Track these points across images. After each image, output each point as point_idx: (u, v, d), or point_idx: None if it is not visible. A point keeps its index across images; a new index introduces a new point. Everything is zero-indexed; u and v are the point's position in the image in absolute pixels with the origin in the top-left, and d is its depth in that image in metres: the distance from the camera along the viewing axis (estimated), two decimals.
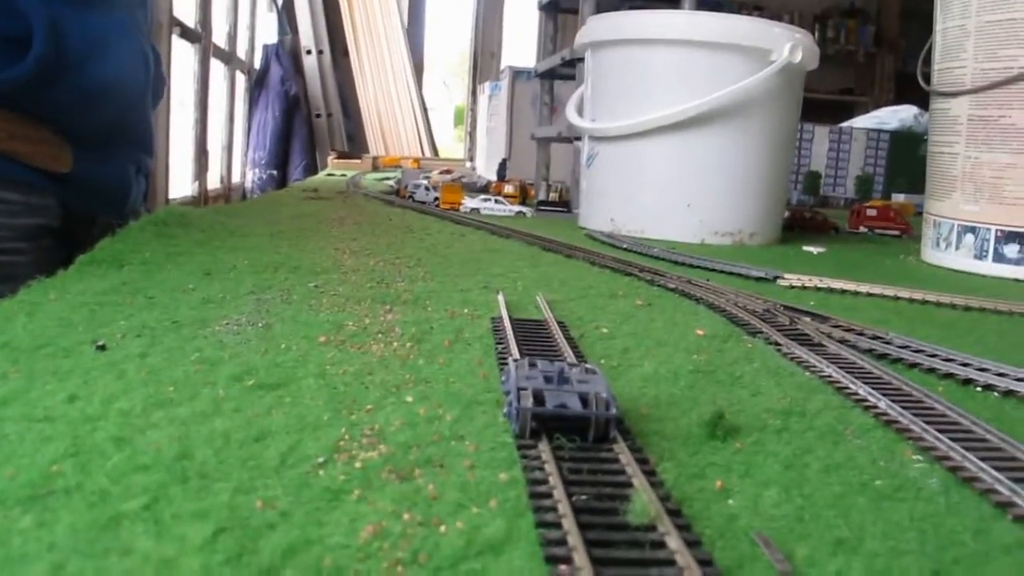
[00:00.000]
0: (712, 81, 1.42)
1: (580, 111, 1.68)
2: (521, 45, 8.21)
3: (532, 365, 0.47)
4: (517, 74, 3.14)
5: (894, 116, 3.85)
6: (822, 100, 5.96)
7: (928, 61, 1.48)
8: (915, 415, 0.51)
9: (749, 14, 6.53)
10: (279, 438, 0.42)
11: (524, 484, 0.37)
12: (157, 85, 1.38)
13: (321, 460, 0.39)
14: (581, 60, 1.89)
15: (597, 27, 1.57)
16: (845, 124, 3.72)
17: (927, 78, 1.48)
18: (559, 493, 0.35)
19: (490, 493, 0.36)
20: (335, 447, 0.41)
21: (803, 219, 1.95)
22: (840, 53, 8.14)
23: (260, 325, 0.64)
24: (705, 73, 1.43)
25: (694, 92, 1.42)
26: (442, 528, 0.33)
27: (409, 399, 0.48)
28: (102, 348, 0.57)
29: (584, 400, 0.42)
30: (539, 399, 0.42)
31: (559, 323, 0.68)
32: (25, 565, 0.30)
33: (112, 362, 0.53)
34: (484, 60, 7.98)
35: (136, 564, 0.30)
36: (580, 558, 0.30)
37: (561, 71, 2.23)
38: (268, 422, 0.44)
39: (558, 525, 0.33)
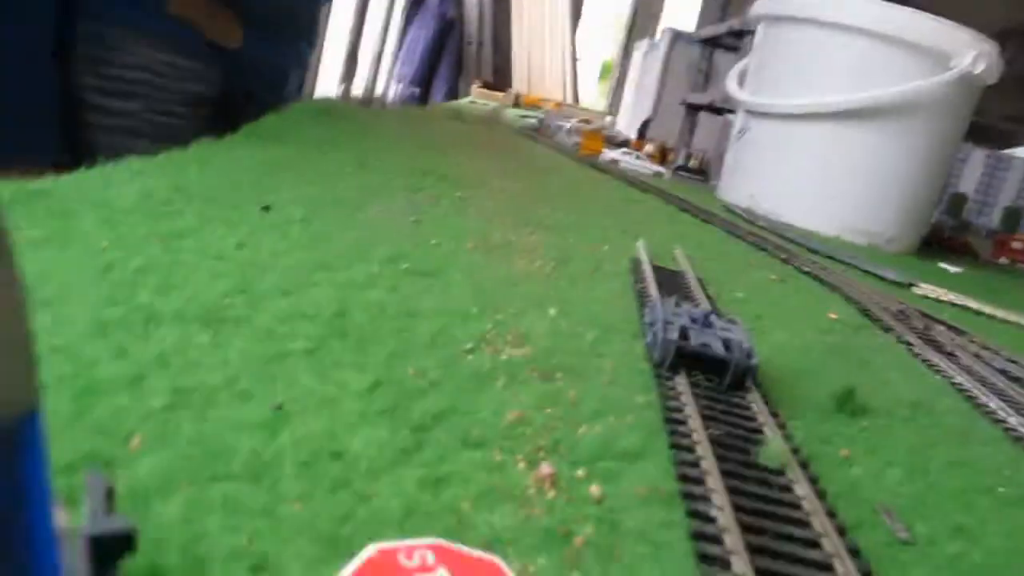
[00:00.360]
0: (884, 76, 1.38)
1: (741, 83, 1.65)
2: (681, 9, 8.06)
3: (678, 304, 0.48)
4: (677, 37, 3.09)
5: None
6: (984, 124, 5.73)
7: None
8: None
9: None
10: (430, 319, 0.43)
11: (660, 409, 0.38)
12: None
13: (469, 347, 0.41)
14: (750, 33, 1.85)
15: (775, 1, 1.54)
16: (1005, 152, 3.57)
17: None
18: (695, 423, 0.36)
19: (627, 409, 0.38)
20: (482, 338, 0.42)
21: (943, 238, 1.89)
22: (1015, 77, 7.75)
23: (412, 219, 0.67)
24: (879, 66, 1.39)
25: (863, 84, 1.38)
26: (581, 429, 0.35)
27: (552, 312, 0.50)
28: (267, 209, 0.59)
29: (727, 344, 0.43)
30: (684, 335, 0.43)
31: (697, 278, 0.68)
32: (203, 372, 0.33)
33: (276, 223, 0.56)
34: (643, 19, 7.87)
35: (300, 394, 0.32)
36: (713, 481, 0.31)
37: (725, 40, 2.20)
38: (419, 303, 0.46)
39: (692, 449, 0.34)
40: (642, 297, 0.58)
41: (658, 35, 3.76)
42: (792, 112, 1.44)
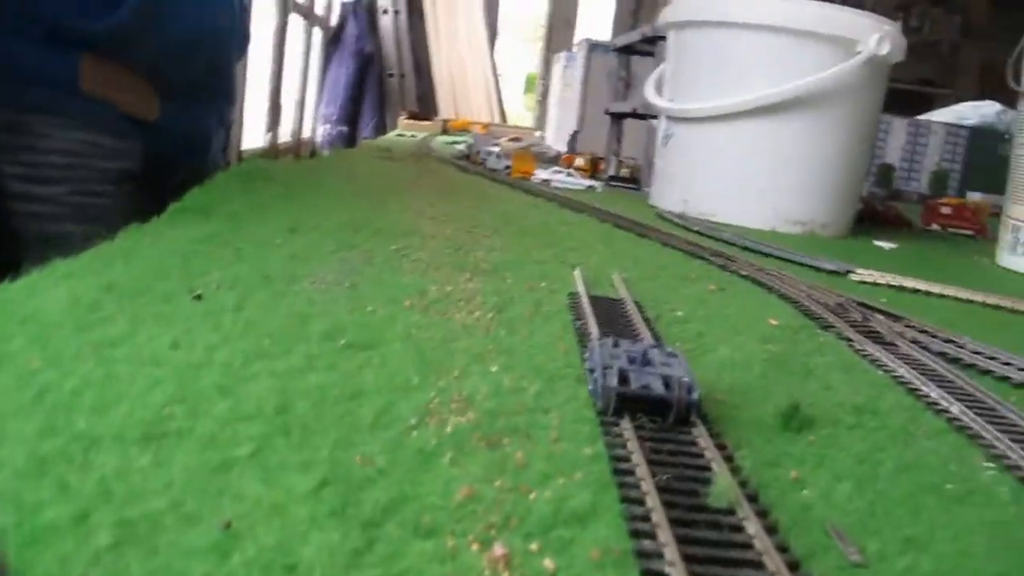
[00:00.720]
0: (796, 69, 1.41)
1: (659, 90, 1.68)
2: (597, 16, 8.15)
3: (616, 344, 0.48)
4: (593, 47, 3.12)
5: (975, 111, 3.76)
6: (901, 90, 5.86)
7: (1019, 60, 1.45)
8: (987, 422, 0.51)
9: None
10: (372, 397, 0.44)
11: (607, 460, 0.39)
12: (242, 38, 1.41)
13: (414, 422, 0.41)
14: (662, 38, 1.88)
15: (683, 7, 1.56)
16: (923, 117, 3.65)
17: (1017, 77, 1.46)
18: (642, 471, 0.37)
19: (576, 465, 0.38)
20: (426, 410, 0.43)
21: (875, 212, 1.92)
22: (923, 43, 7.95)
23: (346, 285, 0.67)
24: (789, 60, 1.42)
25: (777, 79, 1.41)
26: (531, 495, 0.35)
27: (494, 368, 0.50)
28: (198, 298, 0.59)
29: (667, 383, 0.44)
30: (623, 378, 0.44)
31: (636, 303, 0.69)
32: (147, 498, 0.32)
33: (209, 312, 0.56)
34: (559, 29, 7.93)
35: (248, 507, 0.32)
36: (664, 534, 0.32)
37: (640, 47, 2.23)
38: (361, 381, 0.46)
39: (642, 502, 0.35)
40: (582, 336, 0.59)
41: (575, 46, 3.80)
42: (712, 114, 1.46)
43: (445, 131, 4.45)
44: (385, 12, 6.56)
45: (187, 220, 0.86)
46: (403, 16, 6.60)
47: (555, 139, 3.55)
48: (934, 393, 0.56)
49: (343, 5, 6.31)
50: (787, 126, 1.44)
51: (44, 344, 0.47)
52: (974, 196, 2.93)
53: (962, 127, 3.40)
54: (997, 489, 0.43)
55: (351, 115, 6.18)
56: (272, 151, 4.36)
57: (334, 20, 6.31)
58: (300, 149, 5.49)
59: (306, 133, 5.89)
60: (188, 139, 1.26)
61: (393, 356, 0.50)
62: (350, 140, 6.04)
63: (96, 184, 1.14)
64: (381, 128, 6.06)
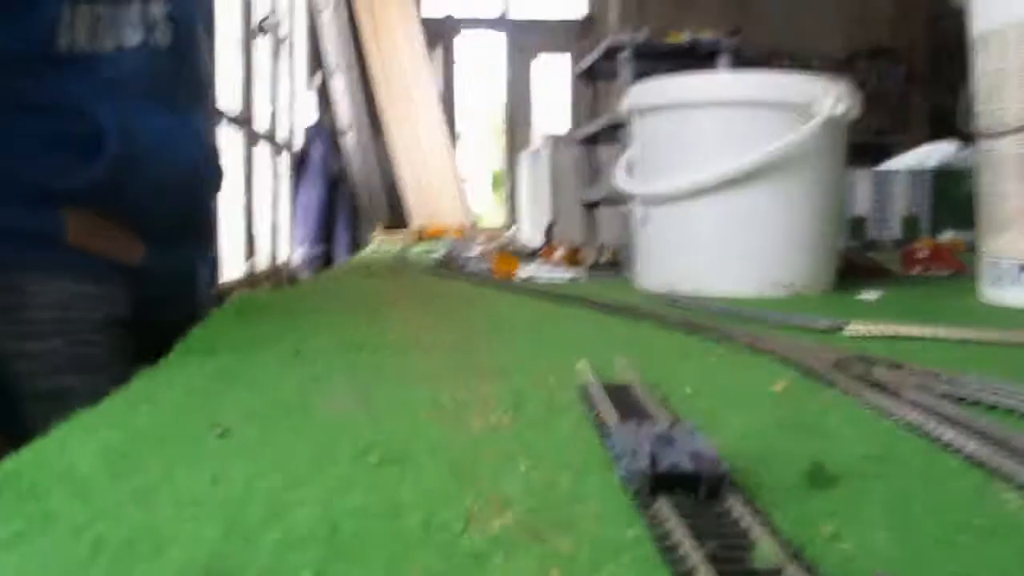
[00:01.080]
0: (758, 138, 1.46)
1: (629, 174, 1.72)
2: (553, 110, 8.34)
3: (636, 428, 0.50)
4: (556, 141, 3.20)
5: (933, 154, 3.86)
6: (859, 143, 6.00)
7: (967, 104, 1.50)
8: (1004, 456, 0.53)
9: (780, 61, 6.56)
10: (414, 510, 0.45)
11: (651, 539, 0.40)
12: (217, 175, 1.45)
13: (460, 528, 0.42)
14: (624, 125, 1.94)
15: (642, 93, 1.62)
16: (885, 167, 3.73)
17: (967, 120, 1.51)
18: (687, 545, 0.38)
19: (622, 549, 0.40)
20: (468, 515, 0.44)
21: (855, 265, 1.96)
22: (872, 94, 8.15)
23: (362, 404, 0.68)
24: (750, 131, 1.47)
25: (741, 150, 1.46)
26: None
27: (523, 467, 0.51)
28: (224, 434, 0.61)
29: (693, 458, 0.45)
30: (652, 460, 0.45)
31: (643, 386, 0.71)
32: None
33: (238, 446, 0.57)
34: (518, 125, 8.09)
35: None
36: None
37: (603, 136, 2.29)
38: (399, 495, 0.47)
39: (693, 574, 0.36)
40: (600, 425, 0.60)
41: (537, 141, 3.88)
42: (684, 192, 1.51)
43: (420, 239, 4.51)
44: (348, 131, 6.69)
45: (195, 359, 0.88)
46: (366, 132, 6.73)
47: (531, 234, 3.61)
48: (947, 434, 0.58)
49: (306, 130, 6.44)
50: (757, 194, 1.49)
51: (85, 497, 0.49)
52: (947, 235, 2.99)
53: (924, 170, 3.48)
54: (1022, 517, 0.45)
55: (326, 234, 6.26)
56: (251, 279, 4.40)
57: (298, 144, 6.43)
58: (279, 273, 5.53)
59: (283, 257, 5.94)
60: (173, 279, 1.28)
61: (424, 468, 0.52)
62: (327, 259, 6.09)
63: (88, 333, 1.15)
64: (356, 243, 6.13)
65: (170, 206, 1.24)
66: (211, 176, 1.40)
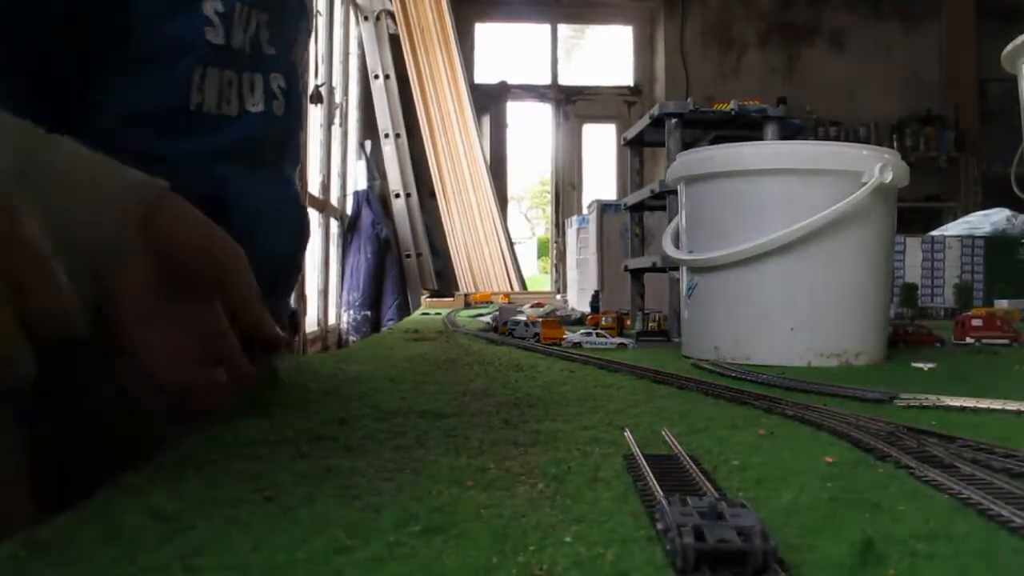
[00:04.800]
0: (807, 206, 1.46)
1: (676, 243, 1.72)
2: (600, 176, 8.40)
3: (684, 503, 0.49)
4: (604, 208, 3.22)
5: (986, 220, 3.82)
6: (909, 208, 5.95)
7: (1022, 163, 1.49)
8: None
9: (826, 130, 6.59)
10: None
11: None
12: (308, 235, 1.50)
13: None
14: (671, 192, 1.94)
15: (689, 161, 1.63)
16: (936, 232, 3.70)
17: (1021, 182, 1.50)
18: None
19: None
20: None
21: (906, 334, 1.94)
22: (921, 160, 8.11)
23: (407, 471, 0.68)
24: (799, 199, 1.47)
25: (790, 218, 1.46)
26: None
27: (567, 539, 0.51)
28: (269, 499, 0.61)
29: (741, 533, 0.45)
30: (699, 535, 0.45)
31: (690, 457, 0.70)
32: None
33: (282, 511, 0.57)
34: (565, 192, 8.15)
35: None
36: None
37: (650, 203, 2.30)
38: (443, 565, 0.47)
39: None
40: (646, 496, 0.60)
41: (584, 208, 3.90)
42: (733, 260, 1.50)
43: (467, 305, 4.53)
44: (397, 196, 6.78)
45: (247, 420, 0.88)
46: (415, 198, 6.81)
47: (577, 300, 3.61)
48: (1005, 511, 0.57)
49: (356, 194, 6.53)
50: (806, 262, 1.48)
51: (132, 559, 0.49)
52: (1001, 304, 2.94)
53: (976, 237, 3.44)
54: None
55: (374, 298, 6.31)
56: (301, 343, 4.43)
57: (349, 209, 6.52)
58: (327, 337, 5.57)
59: (331, 320, 5.99)
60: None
61: (468, 537, 0.52)
62: (375, 323, 6.13)
63: None
64: (404, 308, 6.17)
65: (273, 266, 1.28)
66: (306, 235, 1.46)
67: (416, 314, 4.30)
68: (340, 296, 6.29)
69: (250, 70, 1.23)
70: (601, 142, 8.61)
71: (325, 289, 5.83)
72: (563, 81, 8.62)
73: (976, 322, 2.04)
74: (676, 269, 1.89)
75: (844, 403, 1.04)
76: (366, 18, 7.04)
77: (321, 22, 5.76)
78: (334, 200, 6.10)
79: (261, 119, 1.24)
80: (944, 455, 0.73)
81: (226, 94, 1.20)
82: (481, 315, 3.39)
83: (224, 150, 1.20)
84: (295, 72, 1.34)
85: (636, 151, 2.45)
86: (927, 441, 0.79)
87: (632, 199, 2.34)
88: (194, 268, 0.82)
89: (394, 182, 6.84)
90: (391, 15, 7.04)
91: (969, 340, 2.00)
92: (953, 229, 3.84)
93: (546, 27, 8.76)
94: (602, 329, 2.06)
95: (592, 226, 3.32)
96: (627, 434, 0.79)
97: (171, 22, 1.13)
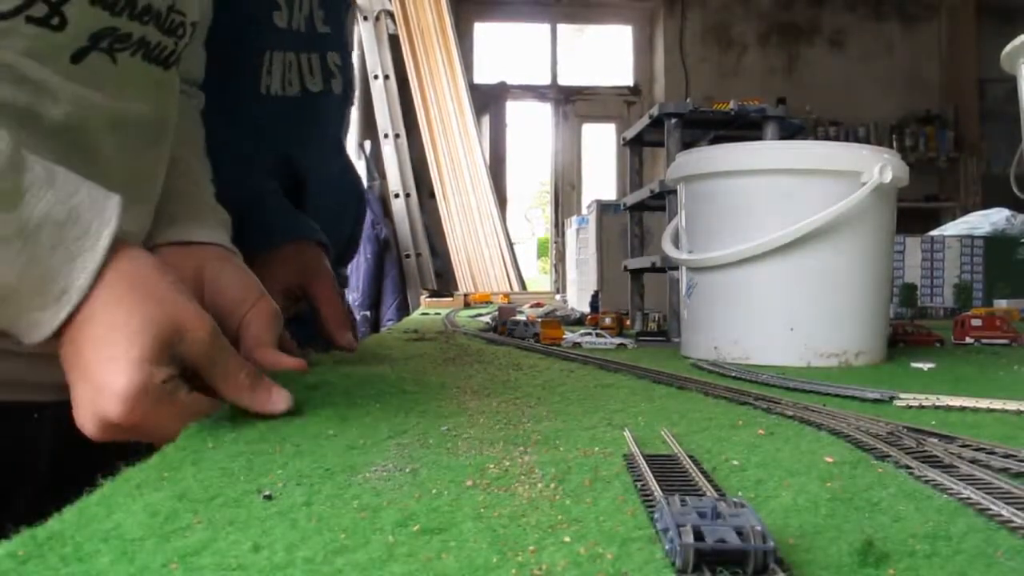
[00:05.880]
0: (806, 206, 1.46)
1: (675, 243, 1.72)
2: (599, 176, 8.39)
3: (683, 502, 0.49)
4: (603, 208, 3.21)
5: (985, 220, 3.81)
6: (908, 208, 5.95)
7: (1021, 164, 1.49)
8: None
9: (826, 130, 6.60)
10: None
11: None
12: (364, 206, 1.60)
13: None
14: (671, 192, 1.94)
15: (689, 161, 1.63)
16: (936, 232, 3.69)
17: (1020, 182, 1.49)
18: None
19: None
20: None
21: (906, 333, 1.94)
22: (921, 160, 8.11)
23: (407, 471, 0.68)
24: (799, 199, 1.47)
25: (789, 218, 1.46)
26: None
27: (567, 539, 0.51)
28: (268, 498, 0.61)
29: (740, 533, 0.45)
30: (698, 535, 0.45)
31: (690, 457, 0.70)
32: None
33: (281, 511, 0.57)
34: (565, 192, 8.14)
35: None
36: None
37: (649, 203, 2.29)
38: (443, 565, 0.47)
39: None
40: (646, 496, 0.60)
41: (584, 208, 3.90)
42: (732, 260, 1.50)
43: (467, 305, 4.53)
44: (397, 196, 6.77)
45: (245, 417, 0.88)
46: (414, 198, 6.81)
47: (577, 300, 3.61)
48: (1005, 512, 0.57)
49: None
50: (806, 262, 1.48)
51: (131, 558, 0.49)
52: (1000, 304, 2.94)
53: (976, 237, 3.43)
54: None
55: (373, 298, 6.30)
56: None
57: None
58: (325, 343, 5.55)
59: None
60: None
61: (467, 537, 0.52)
62: (374, 323, 6.13)
63: None
64: (404, 308, 6.17)
65: (337, 235, 1.35)
66: (363, 206, 1.57)
67: (416, 314, 4.29)
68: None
69: (307, 50, 1.27)
70: (601, 142, 8.61)
71: None
72: (562, 81, 8.62)
73: (976, 322, 2.04)
74: (675, 269, 1.89)
75: (844, 403, 1.04)
76: (365, 18, 7.03)
77: None
78: None
79: (320, 98, 1.30)
80: (944, 455, 0.73)
81: (289, 75, 1.25)
82: (480, 315, 3.39)
83: (290, 127, 1.26)
84: (347, 49, 1.38)
85: (635, 151, 2.45)
86: (927, 441, 0.79)
87: (632, 199, 2.34)
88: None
89: (394, 182, 6.84)
90: (390, 15, 7.04)
91: (969, 340, 2.00)
92: (953, 229, 3.84)
93: (546, 27, 8.77)
94: (601, 329, 2.06)
95: (591, 226, 3.31)
96: (627, 434, 0.79)
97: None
